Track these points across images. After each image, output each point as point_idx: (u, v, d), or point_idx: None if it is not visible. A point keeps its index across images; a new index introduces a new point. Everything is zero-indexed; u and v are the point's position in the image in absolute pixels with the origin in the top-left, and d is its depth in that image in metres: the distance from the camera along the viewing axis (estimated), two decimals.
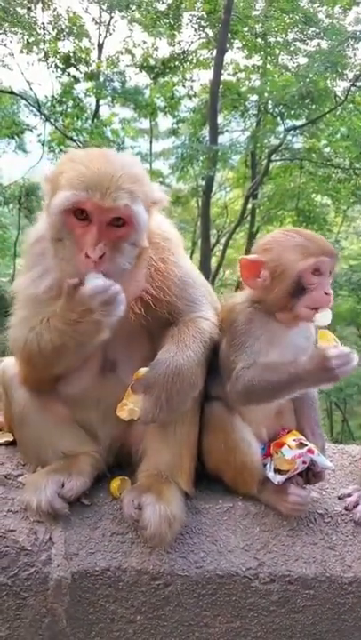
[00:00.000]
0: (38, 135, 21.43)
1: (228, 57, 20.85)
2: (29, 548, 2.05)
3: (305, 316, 2.17)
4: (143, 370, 2.12)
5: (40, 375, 2.23)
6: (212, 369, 2.24)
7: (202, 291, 2.38)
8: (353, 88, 19.74)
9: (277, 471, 2.18)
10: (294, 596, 2.11)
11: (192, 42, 21.55)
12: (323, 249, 2.17)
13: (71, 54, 20.62)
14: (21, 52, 20.00)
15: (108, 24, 21.72)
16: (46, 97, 21.15)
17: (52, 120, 21.07)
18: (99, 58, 21.82)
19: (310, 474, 2.22)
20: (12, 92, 20.16)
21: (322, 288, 2.14)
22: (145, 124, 24.93)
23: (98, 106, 22.43)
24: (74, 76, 21.18)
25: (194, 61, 21.94)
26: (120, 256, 2.03)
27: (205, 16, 20.77)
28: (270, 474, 2.19)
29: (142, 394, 2.08)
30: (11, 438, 2.46)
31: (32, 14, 19.78)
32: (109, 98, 22.29)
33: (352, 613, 2.14)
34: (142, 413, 2.08)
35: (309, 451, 2.17)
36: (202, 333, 2.22)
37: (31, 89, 20.58)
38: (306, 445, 2.18)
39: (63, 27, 20.13)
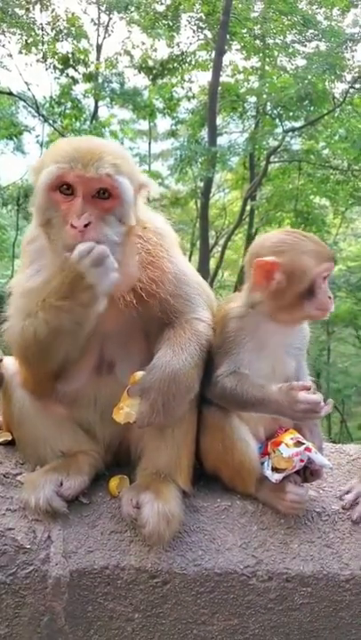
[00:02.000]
0: (37, 136, 21.47)
1: (226, 58, 20.88)
2: (28, 547, 2.06)
3: (316, 316, 2.26)
4: (139, 373, 2.12)
5: (38, 372, 2.22)
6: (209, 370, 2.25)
7: (197, 289, 2.37)
8: (351, 90, 19.79)
9: (275, 469, 2.19)
10: (292, 594, 2.12)
11: (191, 43, 21.56)
12: (330, 254, 2.26)
13: (70, 55, 20.59)
14: (20, 52, 19.98)
15: (107, 25, 21.71)
16: (45, 98, 21.17)
17: (50, 121, 21.08)
18: (97, 59, 21.81)
19: (308, 472, 2.23)
20: (10, 93, 20.14)
21: (327, 292, 2.21)
22: (144, 125, 24.98)
23: (96, 107, 22.42)
24: (72, 77, 21.17)
25: (192, 63, 21.91)
26: (106, 227, 2.02)
27: (204, 17, 20.79)
28: (268, 472, 2.20)
29: (138, 398, 2.08)
30: (10, 437, 2.46)
31: (30, 15, 19.76)
32: (108, 99, 22.25)
33: (349, 610, 2.15)
34: (138, 417, 2.07)
35: (307, 449, 2.18)
36: (198, 335, 2.22)
37: (29, 90, 20.59)
38: (303, 444, 2.19)
39: (62, 27, 20.10)
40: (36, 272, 2.21)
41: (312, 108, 19.57)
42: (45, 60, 20.39)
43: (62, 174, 1.99)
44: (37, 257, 2.24)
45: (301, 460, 2.19)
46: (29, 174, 2.18)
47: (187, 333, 2.20)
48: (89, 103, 22.27)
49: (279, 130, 21.20)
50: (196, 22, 20.93)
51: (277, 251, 2.21)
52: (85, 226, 1.96)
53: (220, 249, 23.11)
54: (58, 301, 2.01)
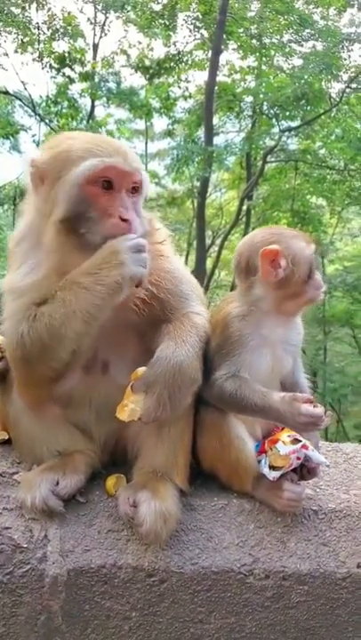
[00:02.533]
0: (33, 136, 21.39)
1: (223, 58, 20.94)
2: (25, 546, 2.05)
3: (316, 297, 2.32)
4: (141, 369, 2.10)
5: (38, 374, 2.13)
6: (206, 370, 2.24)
7: (190, 286, 2.39)
8: (348, 90, 19.84)
9: (272, 467, 2.19)
10: (289, 592, 2.12)
11: (187, 43, 21.61)
12: (311, 237, 2.39)
13: (66, 54, 20.59)
14: (16, 51, 19.99)
15: (103, 24, 21.71)
16: (41, 97, 21.15)
17: (46, 120, 21.05)
18: (94, 58, 21.80)
19: (305, 470, 2.23)
20: (6, 93, 20.11)
21: (315, 274, 2.31)
22: (140, 124, 24.95)
23: (93, 106, 22.42)
24: (69, 77, 21.17)
25: (189, 62, 21.95)
26: (141, 223, 2.09)
27: (200, 17, 20.80)
28: (265, 470, 2.20)
29: (143, 393, 2.05)
30: (6, 437, 2.46)
31: (26, 14, 19.74)
32: (104, 98, 22.25)
33: (346, 608, 2.15)
34: (144, 413, 2.02)
35: (304, 447, 2.18)
36: (197, 328, 2.22)
37: (26, 89, 20.59)
38: (300, 441, 2.19)
39: (58, 27, 20.11)
40: (31, 270, 2.19)
41: (309, 108, 19.61)
42: (42, 60, 20.38)
43: (106, 167, 2.02)
44: (28, 257, 2.21)
45: (298, 458, 2.19)
46: (27, 170, 2.15)
47: (186, 326, 2.20)
48: (85, 102, 22.30)
49: (276, 129, 21.26)
50: (193, 21, 20.96)
51: (271, 241, 2.25)
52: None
53: (216, 249, 23.12)
54: (82, 277, 2.00)
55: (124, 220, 2.03)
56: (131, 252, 1.99)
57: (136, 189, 2.13)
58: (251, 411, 2.18)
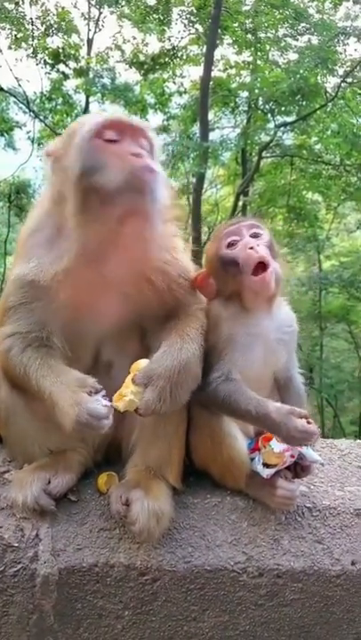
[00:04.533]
0: (28, 132, 21.26)
1: (218, 53, 20.82)
2: (16, 545, 2.04)
3: (254, 286, 2.19)
4: (143, 361, 2.08)
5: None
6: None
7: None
8: (343, 84, 19.78)
9: (266, 465, 2.18)
10: (283, 590, 2.11)
11: (182, 37, 21.48)
12: (227, 225, 2.32)
13: (60, 50, 20.46)
14: (9, 47, 19.82)
15: (98, 20, 21.53)
16: (35, 93, 21.00)
17: (41, 117, 20.93)
18: (88, 54, 21.65)
19: (298, 468, 2.22)
20: (0, 89, 19.99)
21: (245, 248, 2.20)
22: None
23: (88, 102, 22.26)
24: (63, 73, 21.04)
25: (184, 57, 21.85)
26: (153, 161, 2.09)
27: (195, 11, 20.67)
28: (259, 467, 2.19)
29: (144, 385, 2.02)
30: None
31: (20, 9, 19.60)
32: (99, 94, 22.12)
33: (340, 606, 2.14)
34: (143, 405, 2.00)
35: None
36: (203, 326, 2.24)
37: (20, 85, 20.42)
38: None
39: (52, 22, 19.95)
40: (55, 260, 2.14)
41: (304, 103, 19.54)
42: (36, 56, 20.25)
43: (110, 121, 2.08)
44: (44, 248, 2.18)
45: (292, 456, 2.18)
46: (44, 161, 2.23)
47: (193, 323, 2.21)
48: (80, 99, 22.14)
49: (271, 125, 21.18)
50: (188, 16, 20.83)
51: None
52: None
53: None
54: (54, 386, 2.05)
55: (134, 155, 2.01)
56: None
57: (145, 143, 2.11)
58: (244, 417, 2.16)
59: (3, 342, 2.19)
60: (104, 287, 2.15)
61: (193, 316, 2.25)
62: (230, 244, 2.23)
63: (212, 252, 2.29)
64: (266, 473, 2.17)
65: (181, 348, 2.09)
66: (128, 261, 2.11)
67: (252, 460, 2.23)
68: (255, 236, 2.24)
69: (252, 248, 2.17)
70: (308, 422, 2.05)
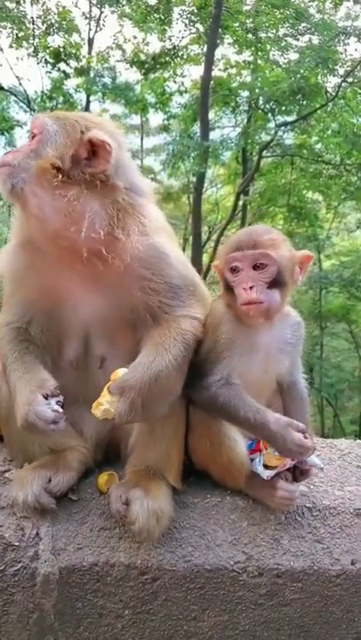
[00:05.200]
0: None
1: (218, 52, 20.78)
2: (16, 544, 2.04)
3: (242, 313, 2.14)
4: (121, 370, 2.08)
5: None
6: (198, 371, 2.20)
7: (187, 283, 2.28)
8: (344, 84, 19.76)
9: (266, 467, 2.18)
10: (282, 589, 2.11)
11: (183, 37, 21.43)
12: (236, 244, 2.16)
13: (61, 49, 20.42)
14: (10, 46, 19.83)
15: (98, 19, 21.52)
16: (36, 92, 21.02)
17: None
18: (89, 53, 21.63)
19: (298, 471, 2.21)
20: (1, 88, 19.97)
21: (240, 284, 2.12)
22: (136, 120, 24.80)
23: (88, 102, 22.25)
24: (64, 72, 21.00)
25: (185, 57, 21.81)
26: None
27: (196, 11, 20.64)
28: (259, 468, 2.19)
29: (118, 395, 2.02)
30: None
31: (21, 8, 19.59)
32: (100, 94, 22.11)
33: (340, 605, 2.15)
34: (116, 415, 2.01)
35: None
36: (184, 335, 2.16)
37: (21, 84, 20.46)
38: None
39: (53, 21, 19.93)
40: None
41: (305, 103, 19.51)
42: (36, 55, 20.23)
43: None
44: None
45: (293, 459, 2.17)
46: None
47: (172, 333, 2.14)
48: (81, 98, 22.11)
49: (272, 124, 21.15)
50: (188, 16, 20.80)
51: None
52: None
53: (212, 244, 23.06)
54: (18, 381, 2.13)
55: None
56: (34, 415, 1.98)
57: None
58: (242, 424, 2.14)
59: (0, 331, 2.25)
60: (78, 275, 2.16)
61: (175, 323, 2.18)
62: (233, 270, 2.15)
63: (219, 263, 2.22)
64: (266, 474, 2.18)
65: (154, 361, 2.06)
66: (100, 258, 2.10)
67: (252, 460, 2.23)
68: (259, 267, 2.11)
69: (249, 288, 2.09)
70: (305, 437, 2.05)
